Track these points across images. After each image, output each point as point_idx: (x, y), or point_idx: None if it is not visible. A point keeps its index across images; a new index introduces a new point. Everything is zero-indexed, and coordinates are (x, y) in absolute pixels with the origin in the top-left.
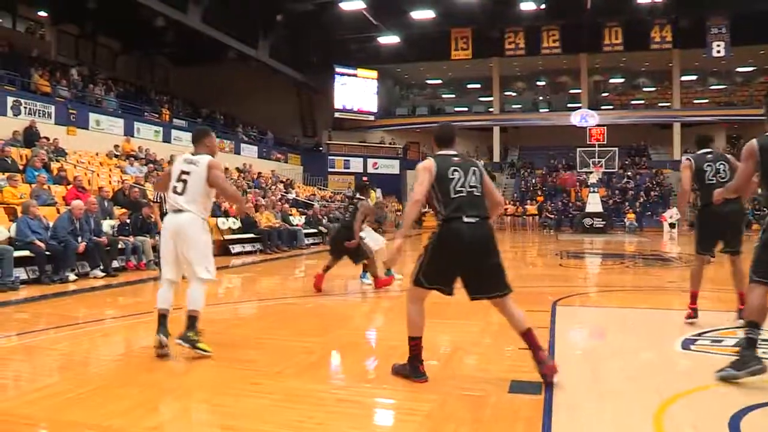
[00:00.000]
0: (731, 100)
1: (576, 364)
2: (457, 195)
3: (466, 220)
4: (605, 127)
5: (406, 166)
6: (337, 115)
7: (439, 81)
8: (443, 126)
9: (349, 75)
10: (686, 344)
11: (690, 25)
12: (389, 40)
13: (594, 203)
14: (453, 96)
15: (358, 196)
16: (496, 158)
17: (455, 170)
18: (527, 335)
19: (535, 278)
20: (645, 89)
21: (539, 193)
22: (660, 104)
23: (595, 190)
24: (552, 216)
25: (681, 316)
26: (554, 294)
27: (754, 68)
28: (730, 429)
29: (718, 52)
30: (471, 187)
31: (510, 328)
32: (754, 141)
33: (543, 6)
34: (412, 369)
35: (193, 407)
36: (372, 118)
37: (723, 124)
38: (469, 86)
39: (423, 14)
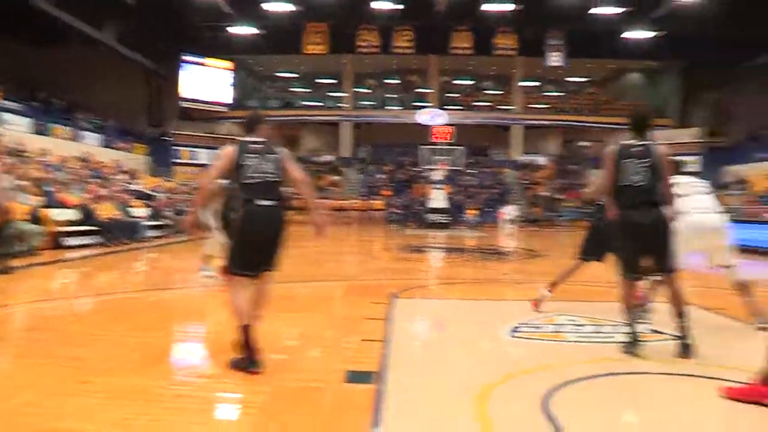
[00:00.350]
0: (565, 107)
1: (411, 354)
2: (251, 180)
3: (259, 203)
4: (453, 127)
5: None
6: (183, 104)
7: (293, 74)
8: (250, 113)
9: (197, 64)
10: (513, 332)
11: (532, 36)
12: (243, 30)
13: (438, 199)
14: (306, 90)
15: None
16: (347, 153)
17: (253, 156)
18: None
19: (378, 271)
20: (489, 92)
21: (387, 188)
22: (502, 107)
23: (440, 186)
24: (398, 211)
25: (513, 306)
26: (396, 286)
27: (586, 79)
28: (542, 405)
29: (556, 61)
30: (266, 173)
31: (350, 320)
32: (612, 147)
33: (398, 6)
34: (245, 360)
35: (17, 410)
36: (225, 109)
37: (558, 128)
38: (322, 81)
39: (279, 6)
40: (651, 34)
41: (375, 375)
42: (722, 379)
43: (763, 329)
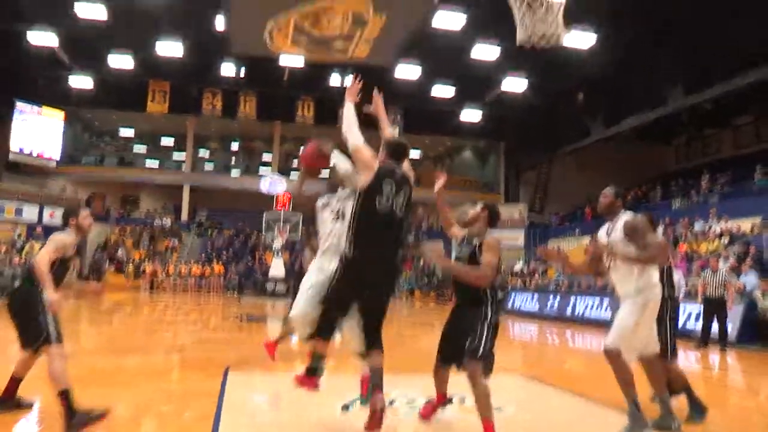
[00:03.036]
0: None
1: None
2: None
3: None
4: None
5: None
6: (11, 157)
7: (133, 132)
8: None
9: (31, 113)
10: (346, 408)
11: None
12: (83, 82)
13: (277, 267)
14: (145, 149)
15: None
16: (185, 217)
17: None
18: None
19: (212, 342)
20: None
21: (226, 254)
22: None
23: (279, 254)
24: (237, 278)
25: (351, 380)
26: (229, 359)
27: (422, 154)
28: None
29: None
30: None
31: (180, 395)
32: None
33: (242, 72)
34: None
35: None
36: (53, 164)
37: None
38: (163, 141)
39: (122, 61)
40: (479, 116)
41: None
42: None
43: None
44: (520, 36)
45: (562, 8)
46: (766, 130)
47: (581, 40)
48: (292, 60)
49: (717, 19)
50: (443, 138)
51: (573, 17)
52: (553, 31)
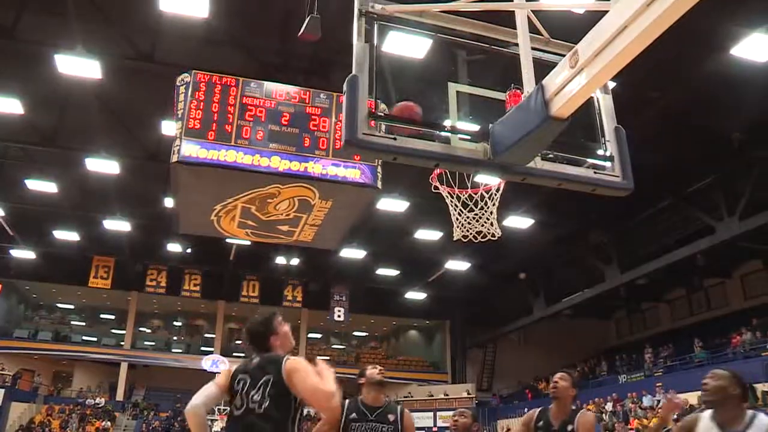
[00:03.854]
0: (347, 359)
1: None
2: None
3: None
4: None
5: (13, 397)
6: None
7: (71, 306)
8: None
9: None
10: None
11: (317, 290)
12: (24, 254)
13: None
14: (83, 324)
15: None
16: (120, 396)
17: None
18: None
19: None
20: None
21: None
22: None
23: None
24: None
25: None
26: None
27: (366, 334)
28: None
29: (339, 316)
30: None
31: None
32: None
33: (189, 250)
34: None
35: None
36: None
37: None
38: (103, 316)
39: (67, 235)
40: (424, 295)
41: None
42: None
43: None
44: (457, 234)
45: (495, 208)
46: (698, 304)
47: (519, 223)
48: (239, 240)
49: (641, 207)
50: (389, 318)
51: (509, 205)
52: (488, 229)
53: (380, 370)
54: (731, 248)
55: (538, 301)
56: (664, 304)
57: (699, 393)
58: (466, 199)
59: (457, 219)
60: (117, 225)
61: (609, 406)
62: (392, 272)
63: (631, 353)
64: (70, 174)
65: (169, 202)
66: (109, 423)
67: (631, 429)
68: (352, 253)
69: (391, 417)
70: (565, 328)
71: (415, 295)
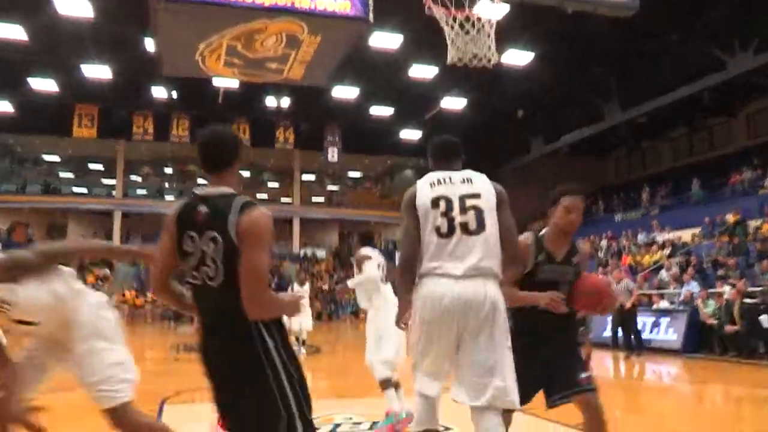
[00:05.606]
0: (342, 200)
1: None
2: None
3: None
4: None
5: (8, 248)
6: None
7: (58, 158)
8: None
9: None
10: None
11: (310, 130)
12: (2, 106)
13: None
14: (72, 175)
15: None
16: (118, 244)
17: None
18: None
19: (146, 373)
20: (270, 185)
21: None
22: (282, 200)
23: None
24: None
25: None
26: (166, 390)
27: (361, 174)
28: None
29: (332, 156)
30: None
31: None
32: None
33: (174, 94)
34: None
35: None
36: None
37: (336, 222)
38: (91, 167)
39: (44, 84)
40: (419, 134)
41: None
42: None
43: None
44: (452, 56)
45: (493, 31)
46: (700, 142)
47: (518, 57)
48: (226, 81)
49: (646, 43)
50: (383, 157)
51: (509, 37)
52: (485, 53)
53: None
54: (739, 87)
55: (536, 139)
56: (665, 143)
57: (694, 230)
58: (463, 20)
59: (453, 41)
60: (97, 71)
61: (604, 243)
62: (386, 110)
63: (628, 192)
64: (38, 18)
65: (150, 44)
66: (107, 270)
67: (624, 265)
68: (345, 92)
69: None
70: (563, 166)
71: (410, 134)
